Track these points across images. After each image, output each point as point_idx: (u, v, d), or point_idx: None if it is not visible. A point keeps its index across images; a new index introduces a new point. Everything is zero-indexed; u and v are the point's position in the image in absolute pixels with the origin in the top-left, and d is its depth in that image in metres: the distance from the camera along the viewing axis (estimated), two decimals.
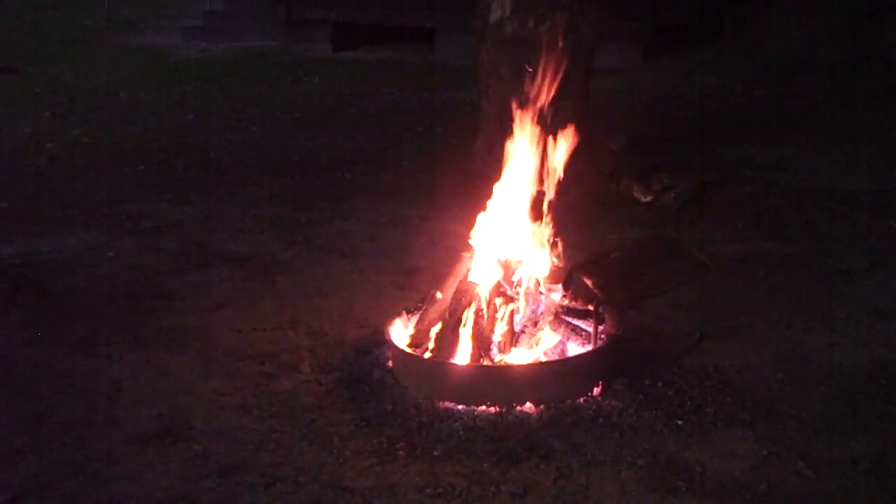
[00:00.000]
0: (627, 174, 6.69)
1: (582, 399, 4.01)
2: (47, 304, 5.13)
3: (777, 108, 9.24)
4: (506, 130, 4.51)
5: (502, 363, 4.12)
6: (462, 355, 4.12)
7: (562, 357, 4.17)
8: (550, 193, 4.43)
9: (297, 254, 5.83)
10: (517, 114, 4.43)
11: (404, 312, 4.43)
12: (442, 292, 4.26)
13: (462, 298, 4.17)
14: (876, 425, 3.90)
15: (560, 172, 4.43)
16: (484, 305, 4.17)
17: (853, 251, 5.70)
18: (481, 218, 4.42)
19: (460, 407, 3.95)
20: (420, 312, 4.34)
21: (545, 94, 4.48)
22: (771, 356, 4.46)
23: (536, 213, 4.39)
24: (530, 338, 4.21)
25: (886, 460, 3.65)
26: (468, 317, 4.15)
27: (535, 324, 4.26)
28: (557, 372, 4.08)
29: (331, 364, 4.40)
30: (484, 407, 3.94)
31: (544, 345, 4.21)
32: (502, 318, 4.17)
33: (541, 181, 4.44)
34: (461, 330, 4.14)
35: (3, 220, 6.46)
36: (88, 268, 5.62)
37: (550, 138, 4.43)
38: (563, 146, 4.42)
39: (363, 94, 10.30)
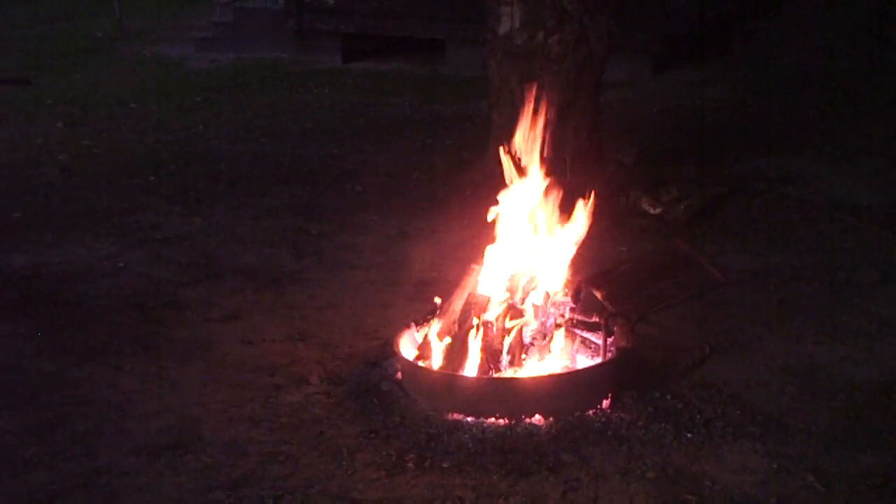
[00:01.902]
0: (637, 186, 6.68)
1: (591, 412, 4.00)
2: (57, 313, 5.15)
3: (787, 119, 9.23)
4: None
5: (511, 375, 4.11)
6: (471, 367, 4.12)
7: (571, 369, 4.17)
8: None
9: (307, 265, 5.84)
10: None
11: (413, 324, 4.44)
12: (451, 305, 4.26)
13: (472, 311, 4.17)
14: (887, 440, 3.89)
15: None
16: (493, 318, 4.17)
17: (864, 264, 5.67)
18: (491, 231, 4.43)
19: (469, 419, 3.95)
20: (429, 325, 4.34)
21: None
22: (781, 369, 4.45)
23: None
24: (539, 350, 4.20)
25: None
26: (477, 329, 4.15)
27: (545, 336, 4.25)
28: (566, 384, 4.08)
29: (340, 376, 4.41)
30: (493, 419, 3.94)
31: (553, 357, 4.20)
32: (511, 330, 4.17)
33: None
34: (470, 342, 4.14)
35: (14, 229, 6.48)
36: (98, 278, 5.64)
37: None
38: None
39: (373, 106, 10.31)
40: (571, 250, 4.40)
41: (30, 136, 9.06)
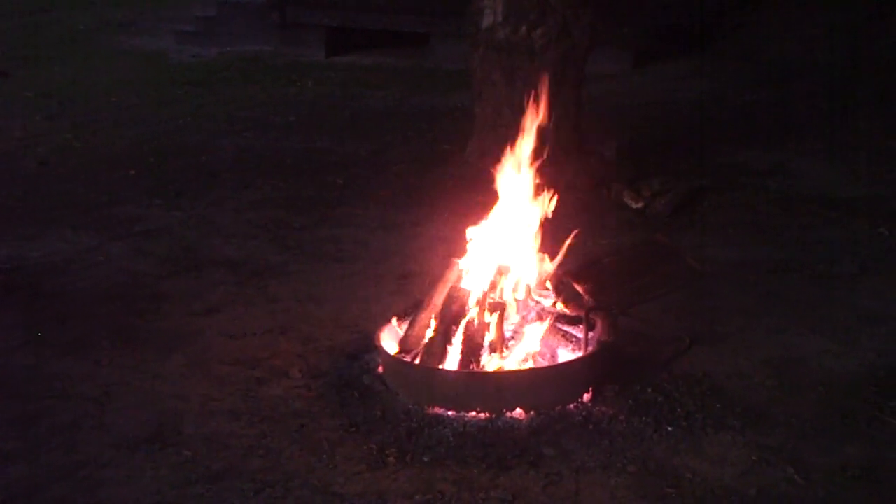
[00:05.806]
0: (619, 180, 6.69)
1: (572, 405, 4.01)
2: (38, 307, 5.13)
3: (771, 113, 9.25)
4: (499, 136, 4.52)
5: (492, 369, 4.11)
6: (452, 361, 4.11)
7: (552, 363, 4.17)
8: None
9: (289, 258, 5.82)
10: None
11: (395, 318, 4.43)
12: (433, 298, 4.25)
13: (453, 304, 4.17)
14: (866, 432, 3.90)
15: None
16: (474, 311, 4.16)
17: (845, 257, 5.70)
18: (473, 224, 4.43)
19: (450, 413, 3.95)
20: (410, 318, 4.34)
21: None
22: (761, 362, 4.46)
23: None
24: (520, 344, 4.20)
25: (876, 467, 3.66)
26: (458, 323, 4.14)
27: (526, 330, 4.25)
28: (547, 378, 4.08)
29: (321, 369, 4.40)
30: (474, 413, 3.94)
31: (534, 351, 4.20)
32: (492, 324, 4.16)
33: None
34: (451, 336, 4.14)
35: None
36: (79, 271, 5.61)
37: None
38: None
39: (356, 99, 10.29)
40: (545, 242, 4.41)
41: (8, 129, 9.01)
